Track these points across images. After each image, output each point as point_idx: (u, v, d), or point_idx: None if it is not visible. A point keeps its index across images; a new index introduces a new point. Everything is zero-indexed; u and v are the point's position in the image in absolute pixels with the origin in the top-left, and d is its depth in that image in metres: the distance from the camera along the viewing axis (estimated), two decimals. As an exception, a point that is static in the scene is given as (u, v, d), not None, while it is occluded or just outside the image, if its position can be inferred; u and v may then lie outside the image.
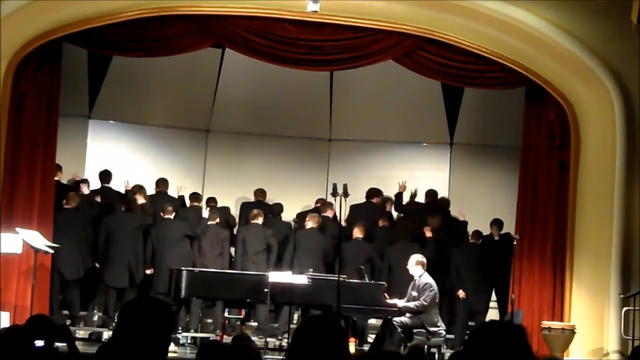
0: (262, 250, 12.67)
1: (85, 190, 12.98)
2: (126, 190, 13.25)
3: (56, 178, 12.36)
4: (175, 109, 14.72)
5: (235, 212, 14.16)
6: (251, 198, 14.03)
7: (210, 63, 14.36)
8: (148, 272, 12.42)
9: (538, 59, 11.77)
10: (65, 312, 12.28)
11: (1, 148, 11.00)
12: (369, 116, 14.79)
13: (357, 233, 12.78)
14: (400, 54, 12.14)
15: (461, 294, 12.43)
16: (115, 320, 11.28)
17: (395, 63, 12.43)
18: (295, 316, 12.77)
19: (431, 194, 13.93)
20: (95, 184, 13.43)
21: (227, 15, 11.71)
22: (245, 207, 13.77)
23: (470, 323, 12.51)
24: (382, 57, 12.23)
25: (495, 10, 11.41)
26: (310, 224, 12.77)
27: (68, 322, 11.97)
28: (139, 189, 13.01)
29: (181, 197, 13.64)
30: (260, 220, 12.87)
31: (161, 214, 12.73)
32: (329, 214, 13.31)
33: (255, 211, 12.92)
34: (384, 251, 12.68)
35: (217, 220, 12.78)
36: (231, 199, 14.06)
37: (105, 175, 13.42)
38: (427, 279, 11.41)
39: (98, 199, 13.06)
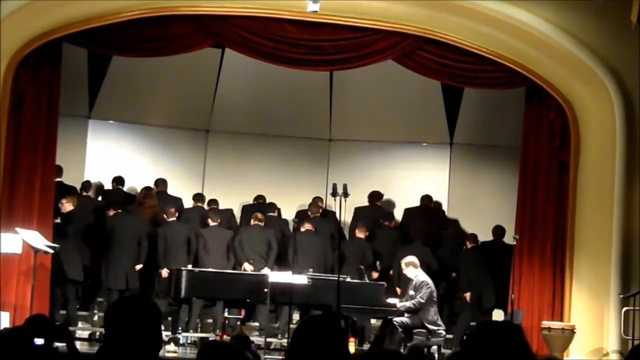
0: (264, 251, 12.67)
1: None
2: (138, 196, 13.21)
3: (59, 179, 12.39)
4: (175, 109, 14.71)
5: (236, 212, 14.13)
6: (251, 199, 14.03)
7: (210, 63, 14.35)
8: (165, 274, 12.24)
9: (538, 59, 11.77)
10: (63, 311, 12.27)
11: (1, 148, 11.00)
12: (369, 116, 14.78)
13: (359, 233, 12.84)
14: (400, 54, 12.15)
15: (467, 296, 12.48)
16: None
17: (395, 63, 12.44)
18: (296, 316, 12.76)
19: (427, 198, 13.96)
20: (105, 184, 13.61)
21: (227, 15, 11.72)
22: (246, 209, 13.77)
23: (472, 323, 12.56)
24: (382, 57, 12.23)
25: (495, 10, 11.41)
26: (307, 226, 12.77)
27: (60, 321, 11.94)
28: (147, 189, 13.07)
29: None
30: (262, 222, 12.86)
31: (164, 216, 12.72)
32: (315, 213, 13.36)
33: (258, 214, 12.90)
34: (397, 253, 12.74)
35: (219, 221, 12.77)
36: (231, 199, 14.04)
37: (118, 181, 13.51)
38: (423, 277, 11.46)
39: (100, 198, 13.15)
